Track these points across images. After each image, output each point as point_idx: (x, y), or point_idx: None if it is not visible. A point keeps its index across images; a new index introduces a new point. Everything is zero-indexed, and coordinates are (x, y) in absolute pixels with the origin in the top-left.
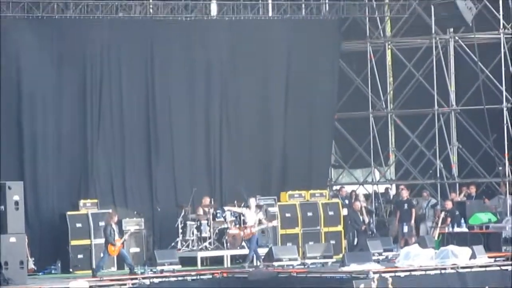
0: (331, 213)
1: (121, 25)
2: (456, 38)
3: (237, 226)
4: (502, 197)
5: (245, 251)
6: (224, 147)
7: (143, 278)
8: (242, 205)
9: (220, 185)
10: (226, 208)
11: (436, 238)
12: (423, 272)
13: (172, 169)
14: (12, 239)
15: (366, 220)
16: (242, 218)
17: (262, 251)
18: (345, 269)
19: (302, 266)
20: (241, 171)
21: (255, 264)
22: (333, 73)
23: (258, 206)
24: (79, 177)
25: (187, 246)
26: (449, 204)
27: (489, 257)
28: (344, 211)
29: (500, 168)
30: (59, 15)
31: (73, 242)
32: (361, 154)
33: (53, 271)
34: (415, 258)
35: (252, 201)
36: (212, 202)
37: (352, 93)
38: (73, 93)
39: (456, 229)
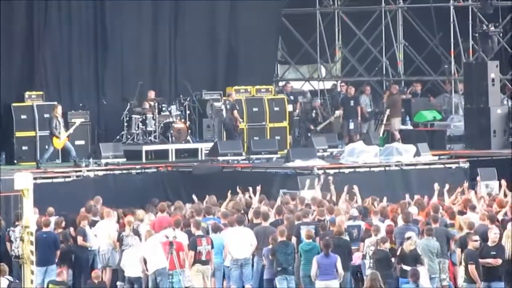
0: (276, 108)
1: None
2: None
3: (183, 120)
4: (447, 95)
5: (190, 145)
6: (171, 42)
7: (88, 170)
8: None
9: (168, 79)
10: None
11: (381, 135)
12: (367, 169)
13: (119, 63)
14: None
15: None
16: None
17: (207, 146)
18: (289, 164)
19: (247, 161)
20: (187, 66)
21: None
22: None
23: None
24: (25, 69)
25: (132, 140)
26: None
27: (433, 155)
28: (289, 107)
29: (446, 66)
30: None
31: (18, 134)
32: (307, 50)
33: None
34: (360, 154)
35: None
36: (158, 96)
37: None
38: None
39: (401, 127)
